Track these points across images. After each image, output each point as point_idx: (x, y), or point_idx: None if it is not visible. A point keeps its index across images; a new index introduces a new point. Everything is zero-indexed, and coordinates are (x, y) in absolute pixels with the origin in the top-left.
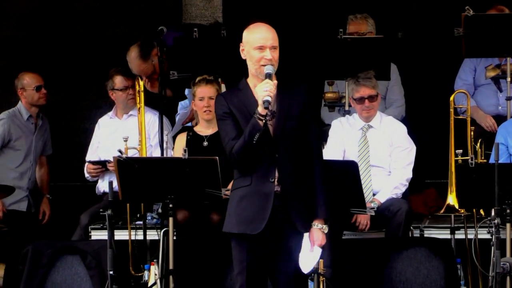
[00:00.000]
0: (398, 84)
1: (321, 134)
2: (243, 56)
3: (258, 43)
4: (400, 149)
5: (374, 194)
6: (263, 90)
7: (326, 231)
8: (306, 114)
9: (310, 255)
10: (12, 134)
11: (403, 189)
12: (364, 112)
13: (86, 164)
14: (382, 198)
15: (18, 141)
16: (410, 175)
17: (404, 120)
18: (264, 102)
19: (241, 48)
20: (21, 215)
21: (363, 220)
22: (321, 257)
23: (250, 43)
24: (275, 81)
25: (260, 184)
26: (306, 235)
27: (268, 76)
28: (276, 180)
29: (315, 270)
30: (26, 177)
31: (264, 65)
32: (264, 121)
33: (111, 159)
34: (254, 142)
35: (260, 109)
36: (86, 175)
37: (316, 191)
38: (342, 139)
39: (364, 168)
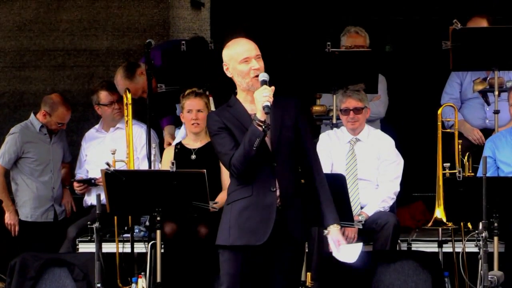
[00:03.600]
0: (384, 95)
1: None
2: (229, 75)
3: (243, 56)
4: (388, 162)
5: (361, 207)
6: (263, 96)
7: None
8: (299, 126)
9: (349, 247)
10: (25, 146)
11: (391, 202)
12: (349, 124)
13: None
14: (369, 211)
15: (32, 153)
16: (397, 188)
17: (391, 134)
18: (264, 107)
19: (225, 67)
20: (47, 226)
21: (350, 233)
22: (308, 270)
23: (235, 59)
24: (273, 87)
25: (262, 195)
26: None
27: (264, 83)
28: (277, 189)
29: (303, 283)
30: (49, 187)
31: (255, 76)
32: (263, 127)
33: (98, 173)
34: (254, 148)
35: (259, 115)
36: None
37: (321, 197)
38: (330, 152)
39: (351, 181)
